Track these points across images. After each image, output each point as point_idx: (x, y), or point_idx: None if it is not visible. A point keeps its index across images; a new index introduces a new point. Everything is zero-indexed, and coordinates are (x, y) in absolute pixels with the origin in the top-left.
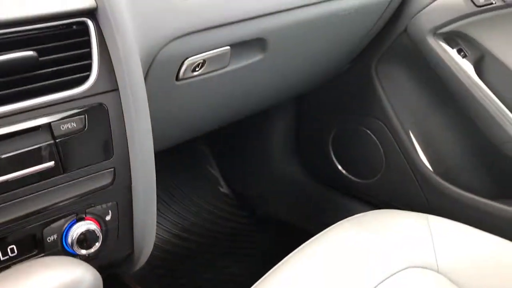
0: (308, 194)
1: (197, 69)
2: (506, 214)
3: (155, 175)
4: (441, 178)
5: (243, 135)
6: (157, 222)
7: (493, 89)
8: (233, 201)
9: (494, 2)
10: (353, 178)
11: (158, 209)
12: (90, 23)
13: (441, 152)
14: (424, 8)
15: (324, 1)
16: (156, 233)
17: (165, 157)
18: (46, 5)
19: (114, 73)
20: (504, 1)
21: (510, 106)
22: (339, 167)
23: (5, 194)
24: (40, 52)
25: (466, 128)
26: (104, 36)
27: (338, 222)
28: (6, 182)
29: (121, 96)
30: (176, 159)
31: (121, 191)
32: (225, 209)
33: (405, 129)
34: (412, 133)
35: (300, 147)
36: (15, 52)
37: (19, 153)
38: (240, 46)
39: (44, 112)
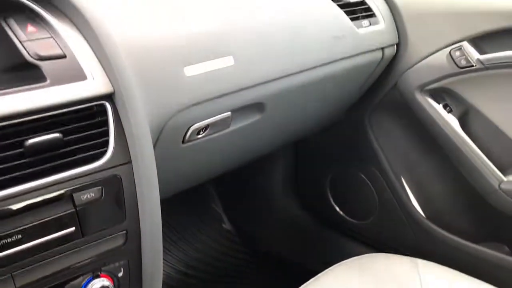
0: (308, 233)
1: (201, 132)
2: (493, 259)
3: (161, 234)
4: (431, 222)
5: (246, 174)
6: (163, 259)
7: (477, 141)
8: (236, 238)
9: (474, 64)
10: (349, 219)
11: (163, 246)
12: (108, 106)
13: (431, 198)
14: (411, 66)
15: (317, 67)
16: (163, 269)
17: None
18: (71, 92)
19: (128, 147)
20: (483, 64)
21: (493, 158)
22: (337, 208)
23: (32, 258)
24: (65, 133)
25: (455, 175)
26: (120, 115)
27: (334, 265)
28: (33, 246)
29: (133, 168)
30: (181, 196)
31: (132, 251)
32: (228, 246)
33: (397, 176)
34: (404, 179)
35: (300, 188)
36: (44, 135)
37: (45, 221)
38: (240, 110)
39: (67, 185)
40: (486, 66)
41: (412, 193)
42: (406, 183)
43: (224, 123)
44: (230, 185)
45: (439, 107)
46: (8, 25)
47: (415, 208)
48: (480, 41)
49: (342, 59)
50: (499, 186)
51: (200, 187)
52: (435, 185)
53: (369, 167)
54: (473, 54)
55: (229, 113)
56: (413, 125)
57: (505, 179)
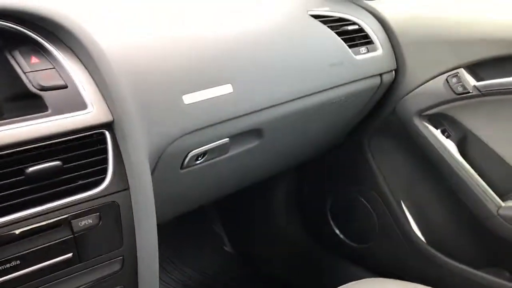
0: (308, 255)
1: (199, 158)
2: (493, 285)
3: (158, 260)
4: (431, 247)
5: (247, 196)
6: (162, 280)
7: (475, 167)
8: (236, 260)
9: (471, 91)
10: (349, 242)
11: (163, 267)
12: (107, 134)
13: (431, 222)
14: (409, 92)
15: (315, 93)
16: None
17: None
18: (71, 121)
19: (126, 175)
20: (480, 91)
21: (491, 183)
22: (337, 231)
23: (30, 283)
24: (65, 161)
25: (454, 200)
26: (119, 143)
27: None
28: (31, 272)
29: (131, 195)
30: (181, 217)
31: (128, 276)
32: (229, 268)
33: (397, 200)
34: (404, 204)
35: (301, 210)
36: (45, 162)
37: (43, 247)
38: (238, 136)
39: (65, 211)
40: (483, 93)
41: (412, 217)
42: (406, 207)
43: (222, 149)
44: (231, 207)
45: (437, 132)
46: (13, 57)
47: (415, 233)
48: (476, 68)
49: (340, 85)
50: (497, 211)
51: (201, 208)
52: (435, 210)
53: (369, 191)
54: (470, 80)
55: (227, 139)
56: (412, 150)
57: (503, 204)
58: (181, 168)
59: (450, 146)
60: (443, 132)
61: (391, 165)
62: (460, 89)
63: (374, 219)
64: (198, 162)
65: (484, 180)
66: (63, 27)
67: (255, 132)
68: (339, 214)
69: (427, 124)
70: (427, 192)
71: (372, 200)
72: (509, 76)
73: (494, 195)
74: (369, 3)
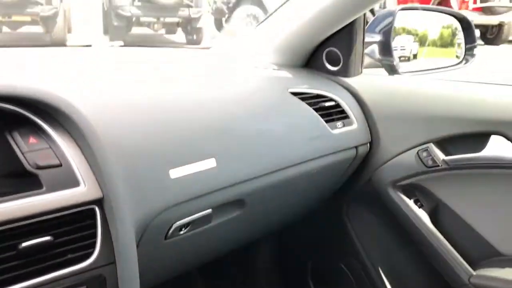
0: None
1: (183, 229)
2: None
3: None
4: None
5: (229, 260)
6: None
7: (447, 236)
8: None
9: (440, 165)
10: None
11: None
12: (97, 210)
13: None
14: (384, 163)
15: (294, 165)
16: None
17: None
18: (64, 198)
19: (113, 248)
20: (448, 165)
21: (463, 252)
22: None
23: None
24: (55, 236)
25: (429, 267)
26: (107, 218)
27: None
28: None
29: (117, 268)
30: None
31: None
32: None
33: (375, 266)
34: (381, 270)
35: (282, 275)
36: (36, 238)
37: None
38: (221, 207)
39: (54, 284)
40: (451, 166)
41: (390, 284)
42: (384, 273)
43: (206, 219)
44: (213, 271)
45: (410, 202)
46: (13, 137)
47: None
48: (445, 143)
49: (317, 157)
50: (468, 280)
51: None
52: (411, 277)
53: (348, 258)
54: (439, 155)
55: (210, 210)
56: (388, 218)
57: (474, 273)
58: (165, 238)
59: (423, 215)
60: (415, 202)
61: (369, 232)
62: (430, 163)
63: (354, 285)
64: (181, 232)
65: (455, 249)
66: (60, 110)
67: (237, 203)
68: (320, 279)
69: (400, 194)
70: (403, 259)
71: (351, 266)
72: (474, 152)
73: (465, 263)
74: (346, 80)
